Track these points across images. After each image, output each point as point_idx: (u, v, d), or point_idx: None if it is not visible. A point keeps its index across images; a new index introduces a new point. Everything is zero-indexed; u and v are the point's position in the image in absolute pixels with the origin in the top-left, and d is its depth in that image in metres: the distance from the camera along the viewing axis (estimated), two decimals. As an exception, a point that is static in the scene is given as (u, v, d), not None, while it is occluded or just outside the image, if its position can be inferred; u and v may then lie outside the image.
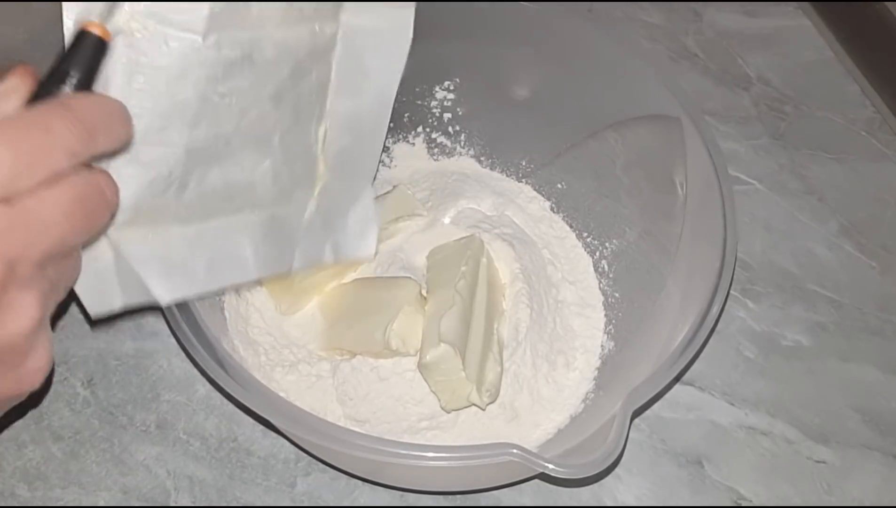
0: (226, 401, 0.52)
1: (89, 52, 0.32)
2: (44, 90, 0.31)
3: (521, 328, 0.53)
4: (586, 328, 0.56)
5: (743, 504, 0.51)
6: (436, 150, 0.63)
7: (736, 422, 0.54)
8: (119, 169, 0.34)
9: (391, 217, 0.58)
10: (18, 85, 0.30)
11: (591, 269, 0.59)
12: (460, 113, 0.62)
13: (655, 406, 0.54)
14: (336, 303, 0.54)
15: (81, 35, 0.32)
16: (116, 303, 0.38)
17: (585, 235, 0.60)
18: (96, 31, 0.33)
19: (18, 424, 0.51)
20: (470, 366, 0.48)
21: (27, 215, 0.27)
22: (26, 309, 0.28)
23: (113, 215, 0.33)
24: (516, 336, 0.53)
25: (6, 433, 0.50)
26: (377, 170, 0.50)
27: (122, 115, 0.31)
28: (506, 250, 0.56)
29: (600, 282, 0.58)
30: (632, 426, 0.46)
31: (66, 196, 0.28)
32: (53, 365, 0.29)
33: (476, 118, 0.62)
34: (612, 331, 0.55)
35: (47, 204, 0.28)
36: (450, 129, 0.63)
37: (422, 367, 0.48)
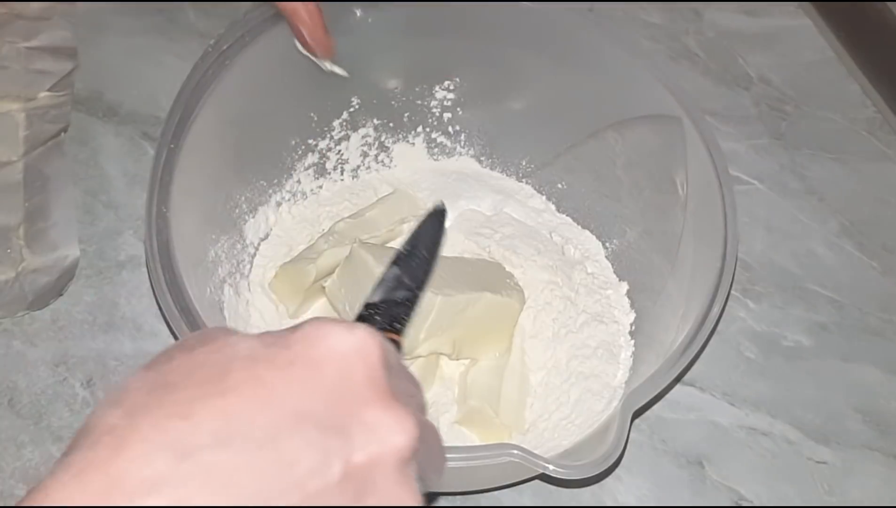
0: (225, 401, 0.52)
1: None
2: None
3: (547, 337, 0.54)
4: (612, 334, 0.55)
5: (743, 505, 0.51)
6: (436, 150, 0.63)
7: (736, 422, 0.54)
8: None
9: (395, 218, 0.58)
10: None
11: (603, 251, 0.59)
12: (460, 113, 0.62)
13: (656, 407, 0.54)
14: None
15: None
16: None
17: (586, 234, 0.60)
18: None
19: (17, 424, 0.50)
20: (506, 413, 0.50)
21: None
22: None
23: None
24: (543, 353, 0.54)
25: (5, 433, 0.50)
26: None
27: None
28: (508, 257, 0.57)
29: (600, 282, 0.58)
30: (632, 427, 0.46)
31: None
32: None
33: (476, 118, 0.62)
34: (613, 331, 0.56)
35: None
36: (450, 129, 0.62)
37: (458, 423, 0.51)
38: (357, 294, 0.50)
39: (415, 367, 0.51)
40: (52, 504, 0.21)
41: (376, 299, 0.38)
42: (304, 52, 0.52)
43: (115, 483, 0.21)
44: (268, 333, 0.26)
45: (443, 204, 0.43)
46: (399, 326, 0.37)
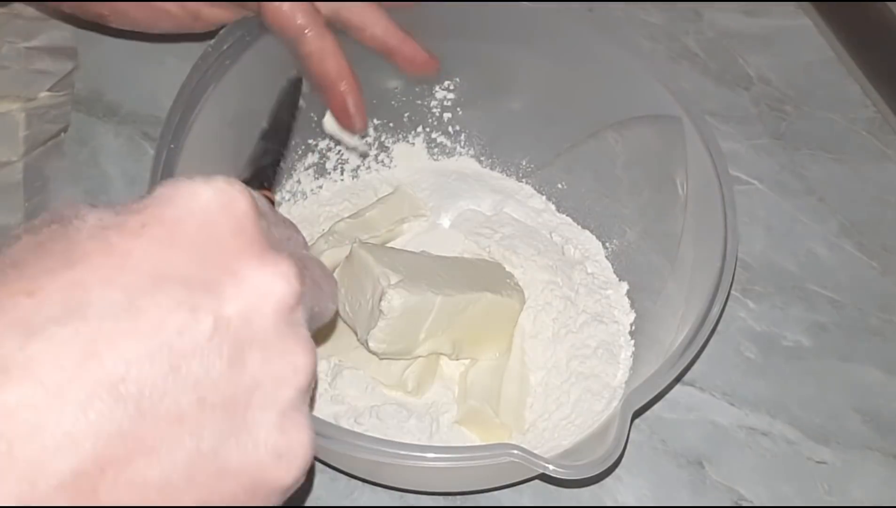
0: (225, 401, 0.52)
1: None
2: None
3: (548, 338, 0.54)
4: (612, 335, 0.55)
5: (743, 505, 0.51)
6: (436, 150, 0.63)
7: (736, 422, 0.54)
8: None
9: (396, 218, 0.58)
10: None
11: (603, 252, 0.59)
12: (460, 113, 0.62)
13: (656, 407, 0.54)
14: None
15: None
16: None
17: (586, 234, 0.60)
18: None
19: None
20: (506, 413, 0.50)
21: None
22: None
23: None
24: (543, 353, 0.54)
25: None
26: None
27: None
28: (508, 257, 0.57)
29: (600, 282, 0.58)
30: (632, 427, 0.46)
31: None
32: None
33: (476, 118, 0.62)
34: (613, 331, 0.56)
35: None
36: (450, 129, 0.62)
37: (458, 423, 0.51)
38: (357, 294, 0.50)
39: (414, 366, 0.51)
40: None
41: (247, 174, 0.39)
42: (331, 129, 0.52)
43: None
44: (120, 203, 0.25)
45: (297, 76, 0.46)
46: (267, 183, 0.37)
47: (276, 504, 0.25)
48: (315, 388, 0.27)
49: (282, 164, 0.41)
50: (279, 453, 0.24)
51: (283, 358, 0.24)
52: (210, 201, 0.24)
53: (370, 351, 0.49)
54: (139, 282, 0.22)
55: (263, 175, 0.39)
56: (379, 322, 0.47)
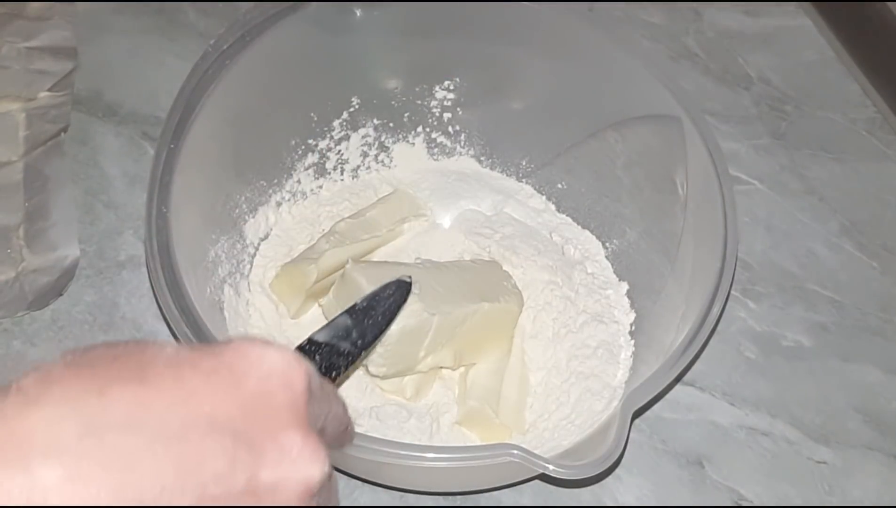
0: (225, 401, 0.52)
1: None
2: None
3: (548, 338, 0.54)
4: (612, 335, 0.55)
5: (743, 505, 0.51)
6: (436, 150, 0.63)
7: (736, 422, 0.54)
8: None
9: (396, 218, 0.58)
10: None
11: (603, 252, 0.59)
12: (460, 113, 0.62)
13: (656, 407, 0.54)
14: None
15: None
16: None
17: (586, 234, 0.60)
18: None
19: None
20: (506, 413, 0.50)
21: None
22: None
23: None
24: (543, 354, 0.54)
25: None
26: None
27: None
28: (508, 257, 0.57)
29: (600, 282, 0.58)
30: (632, 427, 0.46)
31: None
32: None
33: (476, 118, 0.62)
34: (613, 331, 0.55)
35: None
36: (450, 129, 0.62)
37: (458, 423, 0.51)
38: None
39: (414, 375, 0.51)
40: None
41: (321, 338, 0.39)
42: None
43: (15, 438, 0.21)
44: (198, 344, 0.26)
45: (411, 279, 0.47)
46: (335, 374, 0.37)
47: None
48: None
49: (354, 364, 0.41)
50: None
51: None
52: (276, 369, 0.26)
53: (371, 374, 0.50)
54: (196, 419, 0.23)
55: (334, 365, 0.39)
56: (377, 348, 0.47)
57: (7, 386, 0.23)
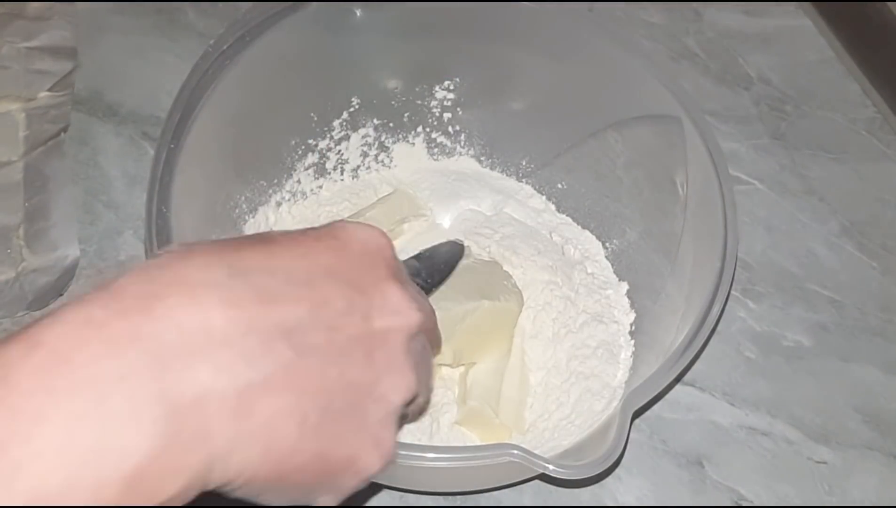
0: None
1: None
2: None
3: (548, 337, 0.54)
4: (612, 335, 0.55)
5: (743, 505, 0.51)
6: (436, 150, 0.63)
7: (736, 422, 0.54)
8: None
9: (396, 218, 0.58)
10: None
11: (603, 252, 0.59)
12: (460, 113, 0.62)
13: (656, 407, 0.54)
14: None
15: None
16: None
17: (586, 234, 0.60)
18: None
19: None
20: (506, 413, 0.50)
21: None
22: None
23: None
24: (544, 353, 0.54)
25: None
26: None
27: None
28: (508, 257, 0.57)
29: (600, 282, 0.58)
30: (632, 427, 0.46)
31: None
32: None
33: (476, 118, 0.62)
34: (613, 331, 0.55)
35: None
36: (450, 129, 0.63)
37: (458, 423, 0.51)
38: None
39: None
40: (121, 287, 0.24)
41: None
42: None
43: (178, 278, 0.25)
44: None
45: (461, 242, 0.52)
46: None
47: (350, 489, 0.29)
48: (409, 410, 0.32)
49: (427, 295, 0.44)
50: (377, 443, 0.29)
51: (399, 372, 0.29)
52: (370, 238, 0.31)
53: None
54: (317, 269, 0.28)
55: None
56: None
57: (151, 254, 0.27)
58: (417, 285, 0.41)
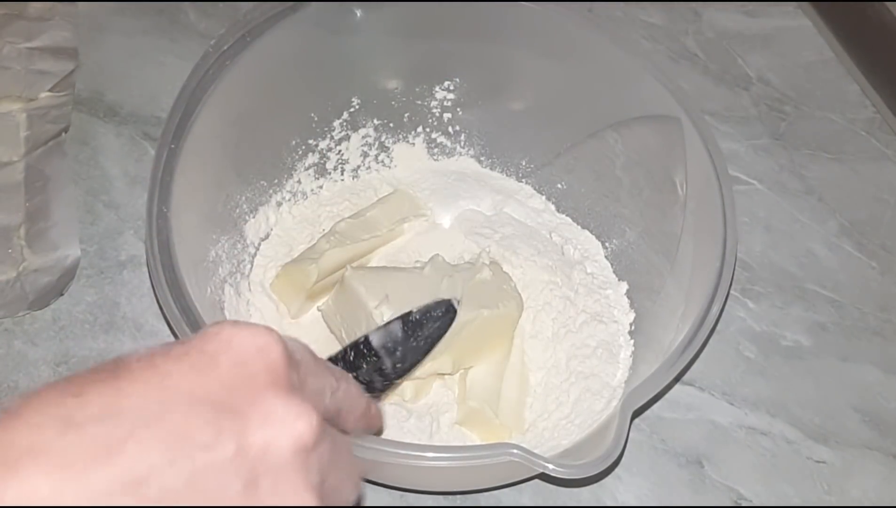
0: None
1: None
2: None
3: (547, 337, 0.54)
4: (612, 335, 0.55)
5: (743, 504, 0.51)
6: (436, 150, 0.63)
7: (736, 422, 0.54)
8: None
9: (396, 218, 0.58)
10: None
11: (602, 251, 0.59)
12: (460, 113, 0.62)
13: (655, 406, 0.54)
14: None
15: None
16: None
17: (586, 234, 0.60)
18: None
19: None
20: (506, 413, 0.50)
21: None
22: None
23: None
24: (543, 353, 0.54)
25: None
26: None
27: None
28: (508, 257, 0.57)
29: (600, 282, 0.58)
30: (632, 426, 0.46)
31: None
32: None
33: (476, 118, 0.62)
34: (612, 331, 0.56)
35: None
36: (450, 129, 0.63)
37: (458, 423, 0.51)
38: (353, 324, 0.50)
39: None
40: None
41: (375, 342, 0.40)
42: None
43: (1, 447, 0.22)
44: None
45: (458, 303, 0.49)
46: (369, 392, 0.38)
47: None
48: None
49: (395, 381, 0.42)
50: None
51: (291, 495, 0.25)
52: (248, 342, 0.26)
53: None
54: (175, 398, 0.24)
55: (373, 384, 0.40)
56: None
57: None
58: (386, 371, 0.39)
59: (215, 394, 0.25)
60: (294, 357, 0.27)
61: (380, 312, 0.48)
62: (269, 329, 0.27)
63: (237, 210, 0.55)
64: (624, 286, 0.57)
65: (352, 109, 0.60)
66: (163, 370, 0.25)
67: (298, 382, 0.27)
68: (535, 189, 0.62)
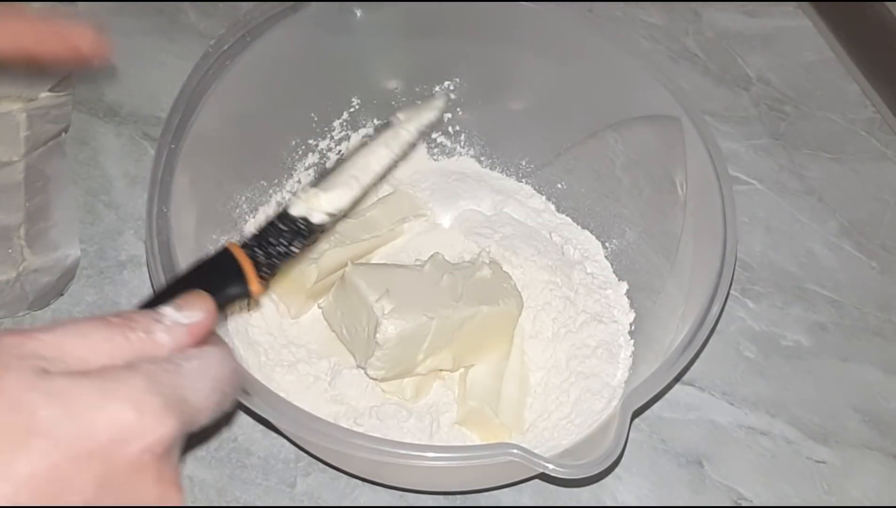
0: (226, 401, 0.52)
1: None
2: None
3: (547, 337, 0.55)
4: (612, 335, 0.55)
5: (743, 504, 0.51)
6: (436, 150, 0.63)
7: (736, 422, 0.54)
8: None
9: (396, 218, 0.58)
10: None
11: (602, 251, 0.59)
12: (460, 113, 0.62)
13: (655, 406, 0.54)
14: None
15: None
16: None
17: (586, 234, 0.60)
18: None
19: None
20: (506, 413, 0.50)
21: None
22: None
23: None
24: (543, 352, 0.54)
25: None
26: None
27: None
28: (508, 257, 0.57)
29: (600, 282, 0.58)
30: (632, 426, 0.46)
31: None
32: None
33: (476, 118, 0.62)
34: (612, 331, 0.56)
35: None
36: (450, 129, 0.63)
37: (458, 423, 0.51)
38: (353, 320, 0.50)
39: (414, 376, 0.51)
40: None
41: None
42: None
43: None
44: None
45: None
46: (266, 272, 0.39)
47: None
48: None
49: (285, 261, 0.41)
50: None
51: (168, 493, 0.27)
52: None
53: (370, 377, 0.50)
54: None
55: (268, 262, 0.39)
56: (376, 352, 0.48)
57: None
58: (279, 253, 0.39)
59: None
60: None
61: (381, 306, 0.48)
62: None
63: (237, 210, 0.55)
64: (624, 286, 0.57)
65: (352, 109, 0.60)
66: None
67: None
68: (535, 189, 0.62)
